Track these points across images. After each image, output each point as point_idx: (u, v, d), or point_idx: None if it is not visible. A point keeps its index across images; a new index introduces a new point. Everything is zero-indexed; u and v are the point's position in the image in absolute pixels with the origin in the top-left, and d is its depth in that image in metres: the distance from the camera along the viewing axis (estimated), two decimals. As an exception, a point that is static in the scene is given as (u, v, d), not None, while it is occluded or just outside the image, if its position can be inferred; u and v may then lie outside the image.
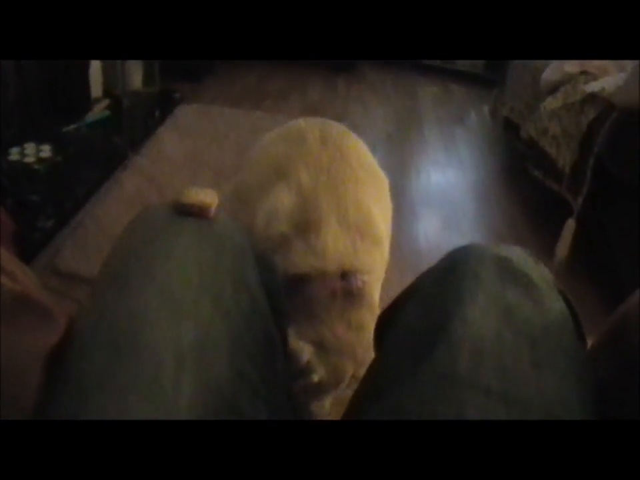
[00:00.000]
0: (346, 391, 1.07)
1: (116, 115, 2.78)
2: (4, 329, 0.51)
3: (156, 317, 0.55)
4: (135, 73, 3.05)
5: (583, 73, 2.14)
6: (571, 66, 2.19)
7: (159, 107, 2.98)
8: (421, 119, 3.37)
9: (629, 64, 1.93)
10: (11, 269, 0.57)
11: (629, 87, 1.78)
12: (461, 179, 2.79)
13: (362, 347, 1.03)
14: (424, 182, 2.70)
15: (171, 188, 2.20)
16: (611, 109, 1.82)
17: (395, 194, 1.28)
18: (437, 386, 0.53)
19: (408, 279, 0.77)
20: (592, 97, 1.95)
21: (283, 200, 1.11)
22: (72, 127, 2.58)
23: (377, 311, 1.01)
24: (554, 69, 2.26)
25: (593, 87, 1.97)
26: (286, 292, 0.87)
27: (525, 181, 2.49)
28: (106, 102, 2.82)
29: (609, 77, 2.00)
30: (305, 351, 1.00)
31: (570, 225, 1.99)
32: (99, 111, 2.74)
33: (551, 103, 2.21)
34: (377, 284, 1.13)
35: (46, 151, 2.34)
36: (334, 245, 1.06)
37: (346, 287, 1.04)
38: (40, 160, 2.28)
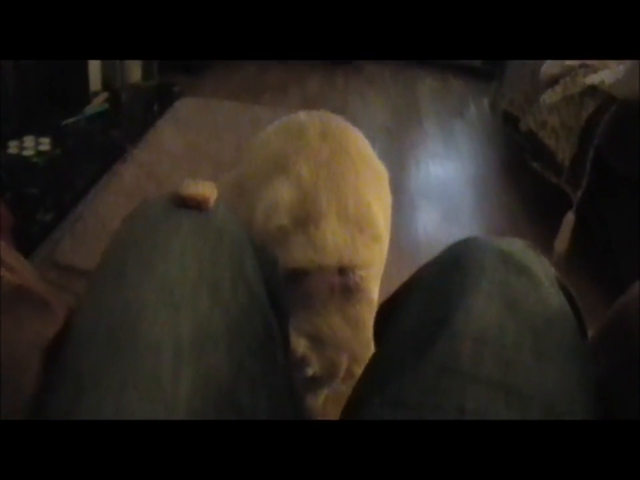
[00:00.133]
0: (341, 387, 1.07)
1: (115, 108, 2.78)
2: (3, 320, 0.51)
3: (154, 309, 0.55)
4: (133, 66, 3.05)
5: (583, 65, 2.13)
6: (571, 59, 2.18)
7: (157, 101, 2.97)
8: (420, 111, 3.36)
9: (629, 56, 1.92)
10: (10, 261, 0.57)
11: (628, 80, 1.78)
12: (460, 171, 2.79)
13: (358, 342, 1.03)
14: (423, 175, 2.69)
15: (170, 181, 2.19)
16: (611, 101, 1.81)
17: (394, 187, 1.27)
18: (438, 377, 0.52)
19: (407, 272, 0.76)
20: (591, 90, 1.94)
21: (282, 193, 1.10)
22: (71, 120, 2.58)
23: (375, 306, 1.01)
24: (553, 62, 2.26)
25: (593, 79, 1.97)
26: (284, 285, 0.87)
27: (524, 173, 2.49)
28: (105, 95, 2.81)
29: (608, 70, 2.00)
30: (300, 345, 1.00)
31: (569, 217, 1.98)
32: (97, 104, 2.73)
33: (551, 95, 2.20)
34: (376, 279, 1.12)
35: (45, 144, 2.34)
36: (333, 239, 1.05)
37: (344, 281, 1.04)
38: (39, 153, 2.28)
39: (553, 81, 2.24)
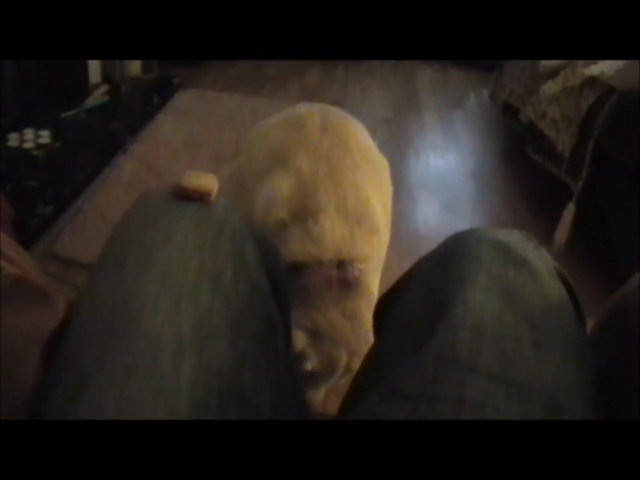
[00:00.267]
0: (340, 382, 1.07)
1: (114, 100, 2.78)
2: (3, 312, 0.51)
3: (155, 301, 0.54)
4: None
5: (583, 56, 2.13)
6: (571, 49, 2.17)
7: (157, 93, 2.96)
8: (419, 103, 3.35)
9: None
10: (10, 253, 0.57)
11: (628, 70, 1.77)
12: (460, 163, 2.78)
13: (356, 336, 1.03)
14: (423, 166, 2.69)
15: (170, 173, 2.20)
16: (611, 92, 1.81)
17: (394, 178, 1.28)
18: (436, 367, 0.52)
19: (407, 263, 0.77)
20: (591, 81, 1.94)
21: (281, 186, 1.10)
22: (71, 112, 2.57)
23: (374, 300, 1.01)
24: (553, 53, 2.25)
25: (593, 70, 1.96)
26: (285, 276, 0.87)
27: (524, 164, 2.49)
28: (104, 88, 2.81)
29: (608, 61, 1.99)
30: (299, 339, 1.00)
31: (569, 208, 1.98)
32: (97, 97, 2.73)
33: (551, 86, 2.20)
34: (375, 273, 1.12)
35: (45, 136, 2.34)
36: (331, 233, 1.05)
37: (342, 275, 1.04)
38: (39, 146, 2.28)
39: (553, 72, 2.24)
